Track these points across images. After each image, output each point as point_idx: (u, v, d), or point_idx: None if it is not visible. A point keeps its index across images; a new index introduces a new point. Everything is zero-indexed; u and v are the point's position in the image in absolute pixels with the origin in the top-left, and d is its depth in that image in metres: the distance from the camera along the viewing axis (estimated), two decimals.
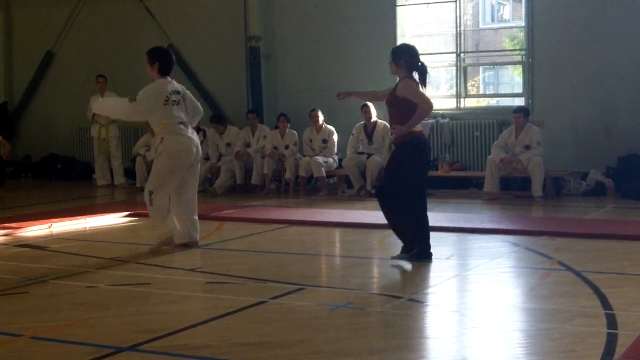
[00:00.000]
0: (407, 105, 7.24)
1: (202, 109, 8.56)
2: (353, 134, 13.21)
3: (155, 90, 8.04)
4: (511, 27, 25.83)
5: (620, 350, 4.60)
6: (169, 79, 8.14)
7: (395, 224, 7.46)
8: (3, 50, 17.70)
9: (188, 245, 8.25)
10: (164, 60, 8.12)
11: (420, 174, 7.48)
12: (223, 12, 15.44)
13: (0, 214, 11.31)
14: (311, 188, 13.71)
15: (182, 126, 8.02)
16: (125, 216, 10.68)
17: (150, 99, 7.99)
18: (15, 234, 9.33)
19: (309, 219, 10.10)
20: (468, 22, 15.09)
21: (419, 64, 7.38)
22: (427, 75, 7.42)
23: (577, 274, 6.70)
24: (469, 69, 15.05)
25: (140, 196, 11.88)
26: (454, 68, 14.09)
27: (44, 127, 17.33)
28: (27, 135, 17.52)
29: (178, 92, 8.12)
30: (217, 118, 14.09)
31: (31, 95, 17.48)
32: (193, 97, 8.43)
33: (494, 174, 12.05)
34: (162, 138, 7.98)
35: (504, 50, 20.59)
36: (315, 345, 4.89)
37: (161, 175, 8.00)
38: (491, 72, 23.40)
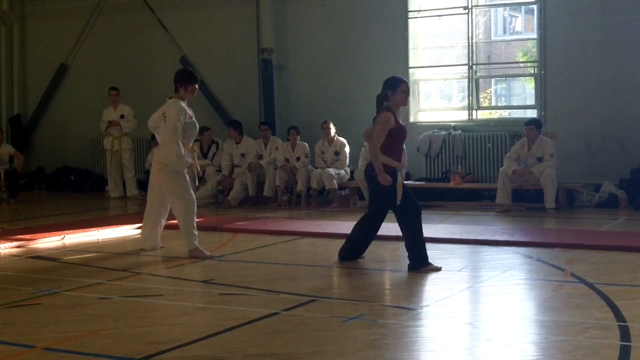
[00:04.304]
0: None
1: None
2: (365, 146, 13.19)
3: None
4: (523, 39, 25.82)
5: None
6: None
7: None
8: (17, 62, 17.80)
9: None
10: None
11: None
12: (236, 24, 15.50)
13: (14, 225, 11.37)
14: (323, 200, 13.72)
15: None
16: (138, 228, 10.67)
17: None
18: (29, 246, 9.36)
19: (320, 231, 10.12)
20: (480, 34, 15.05)
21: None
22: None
23: (590, 286, 6.68)
24: (481, 81, 15.03)
25: None
26: (466, 80, 14.08)
27: (57, 139, 17.41)
28: (41, 147, 17.61)
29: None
30: (234, 123, 14.05)
31: (45, 108, 17.59)
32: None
33: (507, 186, 12.03)
34: None
35: (516, 62, 20.61)
36: (327, 357, 4.89)
37: None
38: (503, 84, 23.36)
